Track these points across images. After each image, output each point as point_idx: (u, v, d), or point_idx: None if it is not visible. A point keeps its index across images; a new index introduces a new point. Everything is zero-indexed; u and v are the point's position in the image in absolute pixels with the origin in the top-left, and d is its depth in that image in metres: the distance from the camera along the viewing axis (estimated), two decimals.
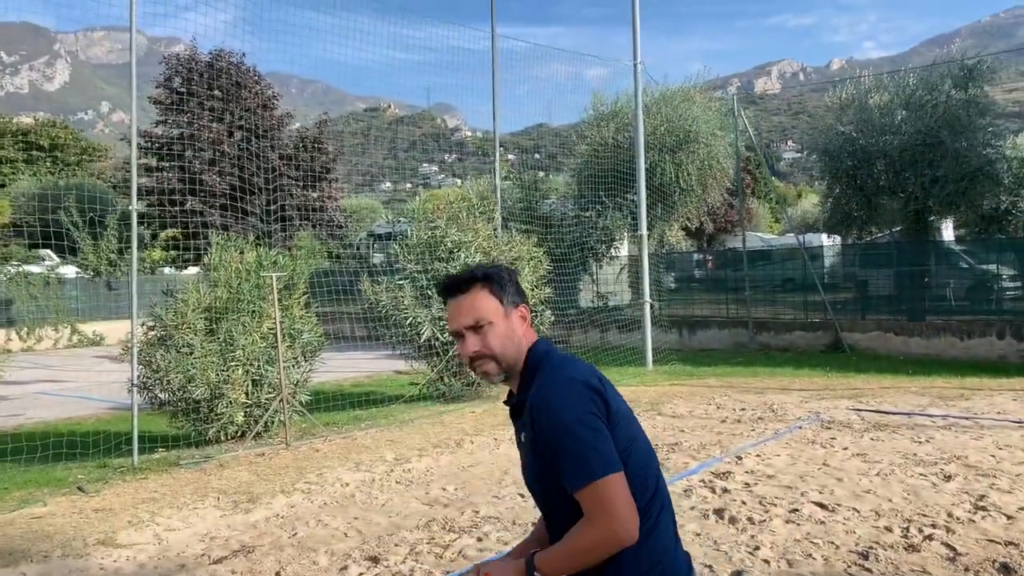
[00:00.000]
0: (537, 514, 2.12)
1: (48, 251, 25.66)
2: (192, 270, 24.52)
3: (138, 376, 8.10)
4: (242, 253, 8.70)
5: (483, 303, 2.01)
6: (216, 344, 8.06)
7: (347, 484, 6.94)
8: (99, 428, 10.19)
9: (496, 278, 2.05)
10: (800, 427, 8.71)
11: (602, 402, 1.89)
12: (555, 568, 1.88)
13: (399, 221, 12.04)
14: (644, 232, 14.61)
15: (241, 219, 23.22)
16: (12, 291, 24.14)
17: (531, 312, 2.23)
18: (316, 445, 8.35)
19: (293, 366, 8.78)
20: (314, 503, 6.46)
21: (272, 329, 8.38)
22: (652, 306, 14.53)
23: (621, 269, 19.06)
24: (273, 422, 8.66)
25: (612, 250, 18.23)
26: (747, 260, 18.13)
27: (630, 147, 16.26)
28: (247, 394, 8.24)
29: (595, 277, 18.71)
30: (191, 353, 7.90)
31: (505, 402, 2.12)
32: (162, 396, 8.27)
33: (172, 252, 24.58)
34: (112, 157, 43.06)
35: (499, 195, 13.61)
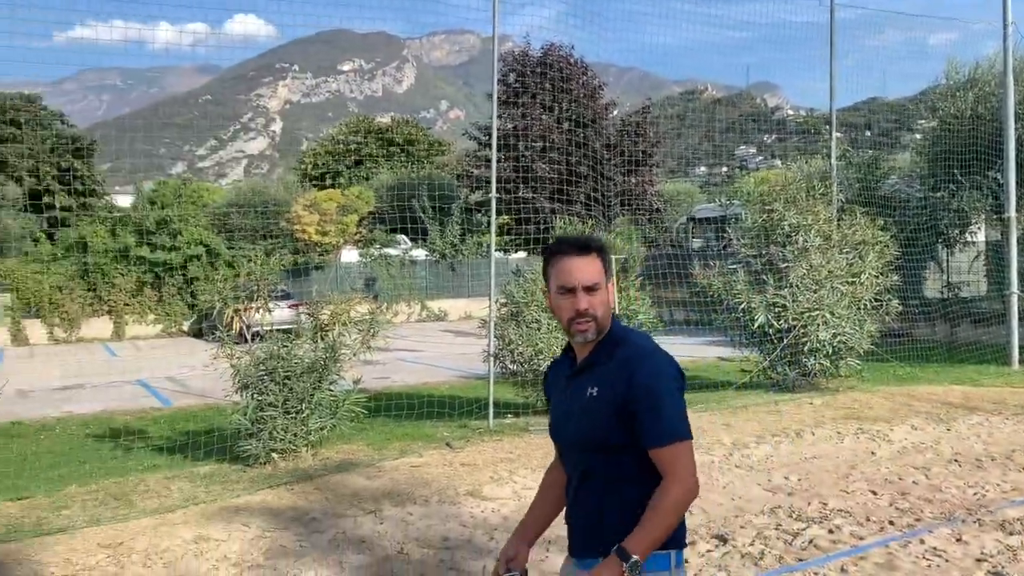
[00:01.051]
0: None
1: (403, 236, 28.96)
2: (520, 254, 26.22)
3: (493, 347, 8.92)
4: None
5: (599, 269, 2.20)
6: None
7: None
8: (453, 393, 11.40)
9: (608, 252, 2.25)
10: None
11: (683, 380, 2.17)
12: (650, 542, 2.01)
13: (731, 204, 11.84)
14: (1012, 214, 12.91)
15: (567, 206, 24.34)
16: (375, 270, 27.68)
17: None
18: None
19: None
20: None
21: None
22: (1021, 298, 12.83)
23: (976, 256, 17.06)
24: None
25: (967, 235, 16.34)
26: None
27: (993, 119, 14.44)
28: None
29: (945, 265, 16.95)
30: (539, 328, 8.53)
31: (585, 359, 2.24)
32: (511, 367, 9.02)
33: (505, 237, 26.44)
34: (453, 151, 47.27)
35: (835, 175, 12.87)
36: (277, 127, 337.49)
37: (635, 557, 1.97)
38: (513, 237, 26.92)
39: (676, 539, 2.13)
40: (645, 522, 2.02)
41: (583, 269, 2.17)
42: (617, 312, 8.51)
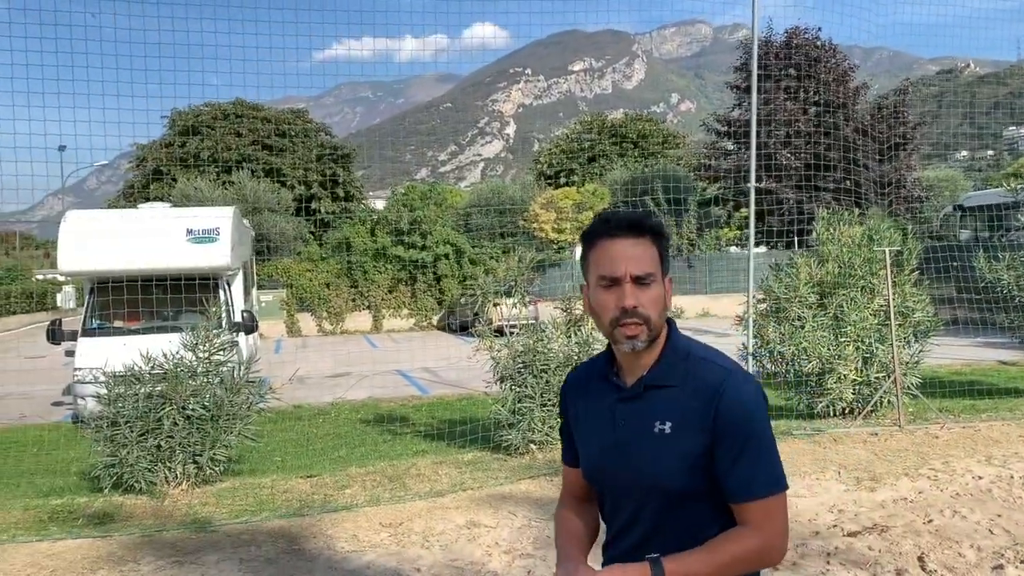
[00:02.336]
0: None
1: None
2: (760, 248, 25.15)
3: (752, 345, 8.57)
4: (849, 226, 8.54)
5: (654, 256, 1.70)
6: (826, 319, 8.08)
7: (980, 477, 6.34)
8: None
9: (667, 238, 1.75)
10: None
11: None
12: (692, 574, 1.61)
13: (1022, 189, 10.55)
14: None
15: (815, 194, 22.98)
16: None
17: None
18: (932, 431, 7.83)
19: (904, 346, 8.35)
20: (944, 492, 6.04)
21: (883, 306, 8.08)
22: None
23: None
24: (882, 402, 8.37)
25: None
26: None
27: None
28: (857, 371, 8.10)
29: None
30: (802, 326, 8.05)
31: (642, 379, 1.74)
32: (770, 367, 8.60)
33: (745, 230, 25.43)
34: (686, 144, 46.39)
35: None
36: (511, 130, 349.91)
37: None
38: (755, 229, 25.80)
39: None
40: (703, 553, 1.64)
41: (634, 253, 1.67)
42: (891, 308, 7.85)
